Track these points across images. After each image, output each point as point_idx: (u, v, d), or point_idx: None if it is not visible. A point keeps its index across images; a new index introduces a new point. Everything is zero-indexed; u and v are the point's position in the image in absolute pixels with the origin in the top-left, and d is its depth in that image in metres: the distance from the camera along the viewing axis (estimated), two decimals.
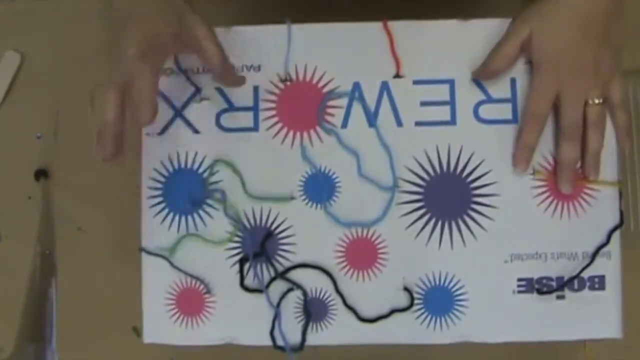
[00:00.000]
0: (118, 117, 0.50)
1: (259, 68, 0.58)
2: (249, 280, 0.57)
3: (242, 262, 0.57)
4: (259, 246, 0.57)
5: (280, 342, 0.57)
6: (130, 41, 0.50)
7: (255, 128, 0.58)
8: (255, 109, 0.58)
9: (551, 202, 0.57)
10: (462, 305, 0.57)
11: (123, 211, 0.63)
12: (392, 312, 0.57)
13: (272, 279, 0.57)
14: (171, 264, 0.58)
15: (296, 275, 0.57)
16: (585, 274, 0.56)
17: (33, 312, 0.67)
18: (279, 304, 0.57)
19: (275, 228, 0.58)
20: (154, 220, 0.58)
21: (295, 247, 0.57)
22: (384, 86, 0.58)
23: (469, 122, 0.57)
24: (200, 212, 0.58)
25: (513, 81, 0.57)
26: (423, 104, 0.57)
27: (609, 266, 0.56)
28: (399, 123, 0.57)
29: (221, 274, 0.58)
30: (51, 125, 0.69)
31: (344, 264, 0.57)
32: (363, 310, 0.57)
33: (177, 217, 0.58)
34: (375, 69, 0.58)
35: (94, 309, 0.66)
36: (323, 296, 0.57)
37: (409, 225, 0.57)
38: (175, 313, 0.58)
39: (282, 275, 0.57)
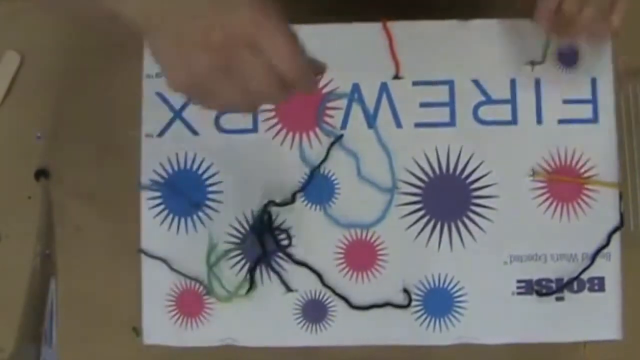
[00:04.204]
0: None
1: None
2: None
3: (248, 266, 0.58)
4: (258, 247, 0.57)
5: None
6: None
7: (254, 129, 0.58)
8: None
9: (551, 204, 0.56)
10: (461, 307, 0.57)
11: (123, 211, 0.63)
12: (386, 304, 0.56)
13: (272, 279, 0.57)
14: (170, 265, 0.58)
15: (296, 275, 0.57)
16: (585, 276, 0.56)
17: (33, 312, 0.67)
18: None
19: (275, 229, 0.57)
20: (153, 221, 0.58)
21: (295, 248, 0.57)
22: (383, 87, 0.57)
23: (469, 123, 0.57)
24: (200, 213, 0.58)
25: (513, 82, 0.57)
26: (422, 105, 0.57)
27: (608, 268, 0.56)
28: (398, 124, 0.57)
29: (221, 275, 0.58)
30: (51, 125, 0.69)
31: (343, 265, 0.57)
32: (363, 312, 0.57)
33: (176, 219, 0.58)
34: (374, 70, 0.58)
35: (94, 309, 0.66)
36: (322, 297, 0.57)
37: (409, 227, 0.57)
38: (174, 314, 0.58)
39: (281, 275, 0.57)
